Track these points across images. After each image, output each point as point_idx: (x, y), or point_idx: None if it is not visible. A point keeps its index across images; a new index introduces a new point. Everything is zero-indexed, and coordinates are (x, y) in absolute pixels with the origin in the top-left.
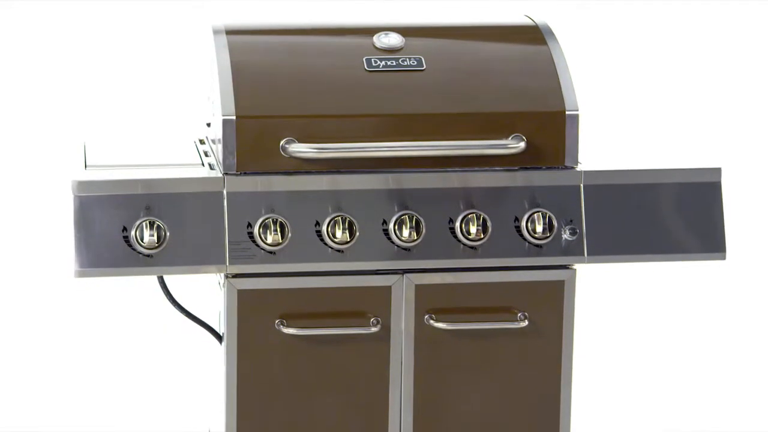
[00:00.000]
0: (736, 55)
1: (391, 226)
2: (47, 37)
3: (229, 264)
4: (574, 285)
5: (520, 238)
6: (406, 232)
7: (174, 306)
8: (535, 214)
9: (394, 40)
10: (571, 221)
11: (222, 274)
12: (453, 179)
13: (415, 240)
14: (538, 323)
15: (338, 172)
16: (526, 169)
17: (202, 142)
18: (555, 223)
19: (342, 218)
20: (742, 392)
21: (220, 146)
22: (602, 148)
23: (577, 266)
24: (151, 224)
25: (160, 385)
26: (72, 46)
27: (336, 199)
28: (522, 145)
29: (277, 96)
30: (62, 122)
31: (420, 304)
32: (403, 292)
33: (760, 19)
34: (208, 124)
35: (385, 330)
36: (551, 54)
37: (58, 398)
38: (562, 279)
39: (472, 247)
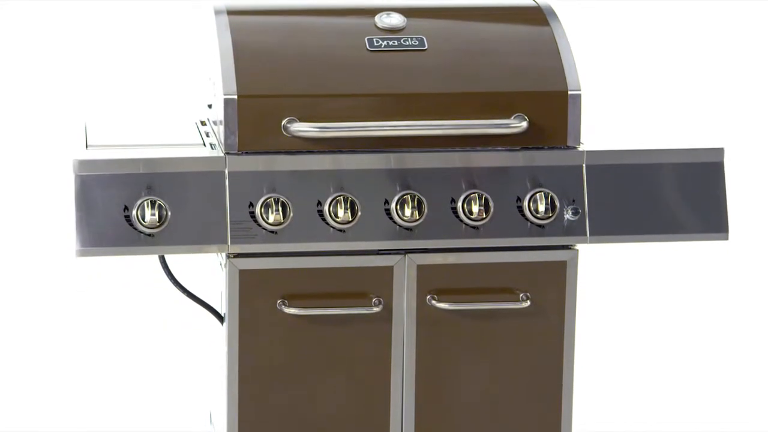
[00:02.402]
0: (740, 35)
1: (393, 205)
2: (49, 18)
3: (230, 243)
4: (576, 265)
5: (523, 218)
6: (408, 212)
7: (175, 286)
8: (538, 194)
9: (395, 20)
10: (573, 201)
11: (223, 254)
12: (455, 159)
13: (417, 220)
14: (541, 303)
15: (340, 151)
16: (529, 148)
17: (203, 123)
18: (557, 203)
19: (344, 198)
20: (743, 373)
21: (221, 127)
22: (605, 128)
23: (579, 246)
24: (153, 203)
25: (161, 366)
26: (74, 27)
27: (338, 179)
28: (524, 124)
29: (279, 75)
30: (64, 104)
31: (422, 284)
32: (405, 272)
33: None
34: (210, 106)
35: (387, 310)
36: (554, 34)
37: (59, 379)
38: (564, 259)
39: (474, 227)
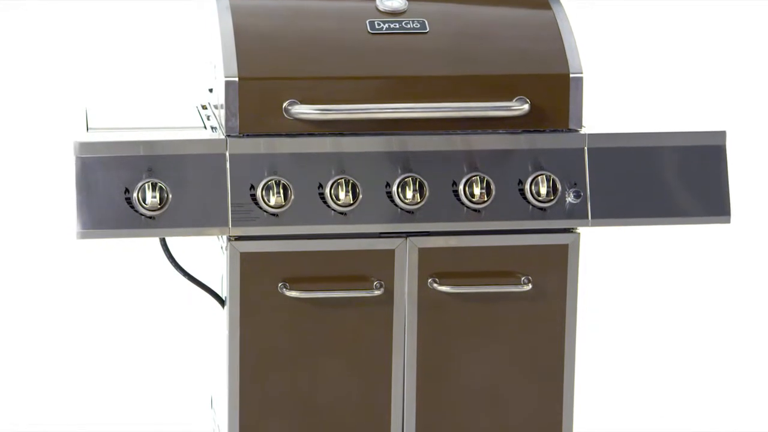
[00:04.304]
0: (742, 19)
1: (394, 188)
2: (51, 4)
3: (231, 226)
4: (578, 248)
5: (524, 201)
6: (409, 195)
7: (176, 269)
8: (539, 177)
9: (397, 3)
10: (575, 184)
11: (224, 237)
12: (456, 141)
13: (419, 203)
14: (542, 287)
15: (341, 134)
16: (530, 131)
17: (204, 107)
18: (559, 186)
19: (345, 180)
20: (745, 356)
21: (222, 110)
22: (606, 111)
23: (580, 229)
24: (154, 186)
25: (161, 350)
26: (76, 13)
27: (339, 161)
28: (526, 107)
29: (280, 57)
30: (65, 88)
31: (423, 267)
32: (407, 255)
33: None
34: (210, 90)
35: (389, 293)
36: (555, 17)
37: (59, 362)
38: (565, 242)
39: (475, 210)
